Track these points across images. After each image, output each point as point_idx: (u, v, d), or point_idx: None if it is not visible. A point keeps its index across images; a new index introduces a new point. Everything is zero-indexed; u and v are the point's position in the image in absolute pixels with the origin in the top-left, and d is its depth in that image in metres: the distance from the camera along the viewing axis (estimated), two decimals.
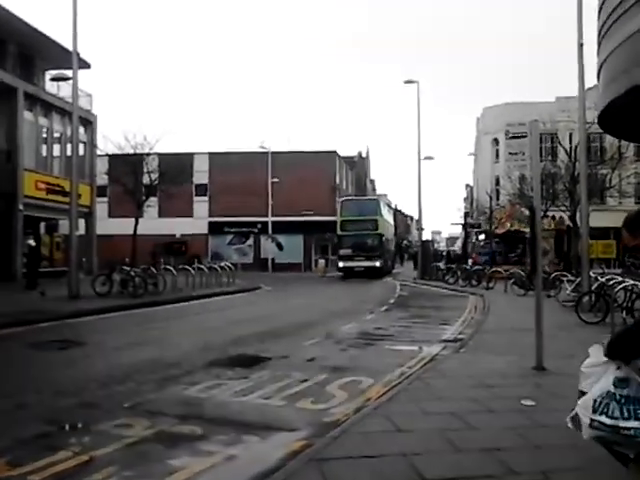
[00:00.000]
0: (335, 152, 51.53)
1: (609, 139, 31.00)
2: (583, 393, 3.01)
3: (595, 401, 2.81)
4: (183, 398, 6.89)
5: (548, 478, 4.22)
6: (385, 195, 78.48)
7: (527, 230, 35.92)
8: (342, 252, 38.07)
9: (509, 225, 39.71)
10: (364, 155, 72.92)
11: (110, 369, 8.49)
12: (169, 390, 7.30)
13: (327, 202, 47.02)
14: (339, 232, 38.66)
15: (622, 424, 2.72)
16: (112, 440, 5.26)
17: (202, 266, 26.67)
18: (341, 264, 37.94)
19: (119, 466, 4.66)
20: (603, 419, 2.76)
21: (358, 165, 65.24)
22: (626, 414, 2.73)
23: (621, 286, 13.97)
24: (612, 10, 12.40)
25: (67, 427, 5.95)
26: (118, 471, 4.56)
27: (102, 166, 34.56)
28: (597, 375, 2.93)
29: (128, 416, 6.06)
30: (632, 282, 14.17)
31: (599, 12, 14.15)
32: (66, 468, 4.63)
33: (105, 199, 42.93)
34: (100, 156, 34.22)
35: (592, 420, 2.80)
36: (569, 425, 3.13)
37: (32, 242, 23.57)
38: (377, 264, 37.28)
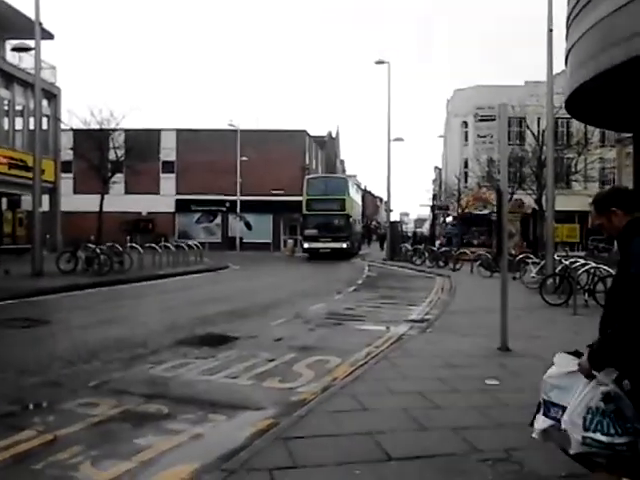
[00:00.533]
0: (305, 131, 51.28)
1: (576, 124, 31.47)
2: (548, 402, 2.97)
3: (585, 418, 2.77)
4: (149, 377, 6.84)
5: (510, 455, 4.32)
6: (355, 176, 78.36)
7: (481, 212, 36.52)
8: (307, 232, 36.54)
9: (460, 208, 40.22)
10: (334, 135, 72.75)
11: (75, 348, 8.38)
12: (135, 369, 7.24)
13: (297, 182, 46.62)
14: (304, 211, 36.97)
15: (617, 440, 2.71)
16: (77, 419, 5.22)
17: (169, 244, 26.42)
18: (306, 245, 36.57)
19: (84, 445, 4.61)
20: (598, 437, 2.73)
21: (328, 145, 65.07)
22: (620, 430, 2.71)
23: (584, 269, 14.30)
24: None
25: (31, 406, 5.88)
26: (83, 450, 4.52)
27: (67, 141, 33.79)
28: (566, 386, 2.90)
29: (93, 395, 6.01)
30: (595, 265, 14.52)
31: None
32: (30, 447, 4.57)
33: (70, 175, 41.98)
34: (65, 131, 33.43)
35: (585, 437, 2.76)
36: (535, 436, 3.06)
37: None
38: (344, 246, 36.06)
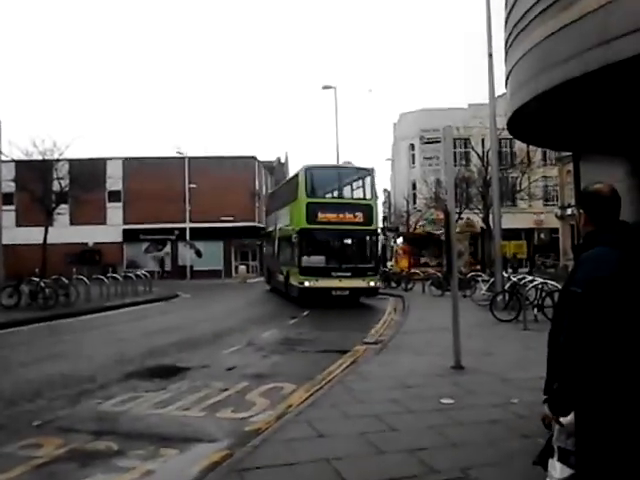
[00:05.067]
0: (254, 157, 51.23)
1: (519, 144, 32.31)
2: (565, 450, 2.82)
3: None
4: (98, 413, 6.59)
5: (467, 475, 4.31)
6: None
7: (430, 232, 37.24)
8: (307, 261, 20.53)
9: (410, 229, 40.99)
10: (283, 160, 72.97)
11: (18, 386, 8.01)
12: (83, 405, 6.97)
13: (247, 207, 46.67)
14: (303, 224, 20.60)
15: None
16: (19, 462, 4.95)
17: (117, 275, 25.84)
18: (307, 283, 20.09)
19: None
20: None
21: (277, 171, 65.15)
22: None
23: (532, 285, 14.63)
24: (517, 21, 12.97)
25: None
26: None
27: (8, 173, 32.83)
28: None
29: (37, 435, 5.73)
30: (542, 281, 14.88)
31: (505, 23, 14.77)
32: None
33: (12, 207, 40.72)
34: (5, 162, 32.51)
35: None
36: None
37: None
38: (372, 284, 20.75)
